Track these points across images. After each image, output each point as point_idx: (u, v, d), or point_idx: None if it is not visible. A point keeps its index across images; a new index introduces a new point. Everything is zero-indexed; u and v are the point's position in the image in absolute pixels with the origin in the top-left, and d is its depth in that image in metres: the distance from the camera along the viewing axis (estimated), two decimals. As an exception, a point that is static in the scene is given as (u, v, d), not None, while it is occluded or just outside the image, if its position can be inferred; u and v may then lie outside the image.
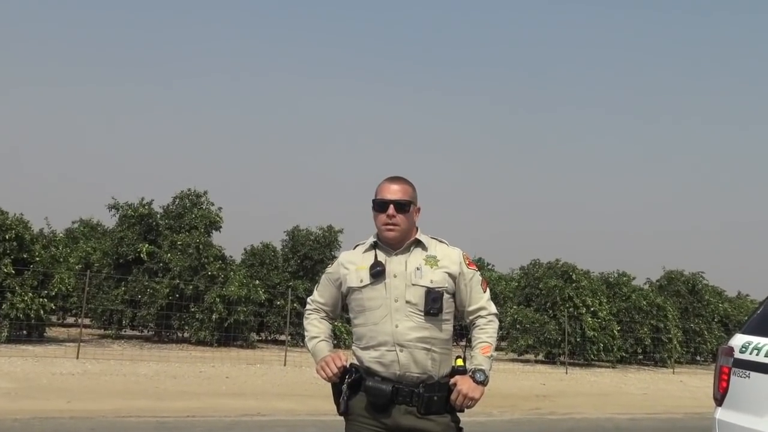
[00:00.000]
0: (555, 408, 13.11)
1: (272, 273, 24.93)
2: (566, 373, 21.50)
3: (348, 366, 3.32)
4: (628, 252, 57.44)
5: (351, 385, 3.25)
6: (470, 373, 3.27)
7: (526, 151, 66.38)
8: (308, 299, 3.64)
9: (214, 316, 20.62)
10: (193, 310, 20.94)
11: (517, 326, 24.68)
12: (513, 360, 24.77)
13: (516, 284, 29.53)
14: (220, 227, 23.61)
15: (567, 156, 66.06)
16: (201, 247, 21.83)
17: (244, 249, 26.96)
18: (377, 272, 3.30)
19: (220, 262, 22.42)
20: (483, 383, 3.27)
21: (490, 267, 36.89)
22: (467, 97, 66.29)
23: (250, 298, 21.48)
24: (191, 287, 21.00)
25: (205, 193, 23.79)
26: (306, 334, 3.55)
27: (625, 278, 28.99)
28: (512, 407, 12.74)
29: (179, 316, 21.16)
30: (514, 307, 26.43)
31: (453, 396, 3.23)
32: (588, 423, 11.43)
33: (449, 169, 66.53)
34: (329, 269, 3.54)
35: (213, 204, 23.78)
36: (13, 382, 11.84)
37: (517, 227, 63.23)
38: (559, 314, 24.54)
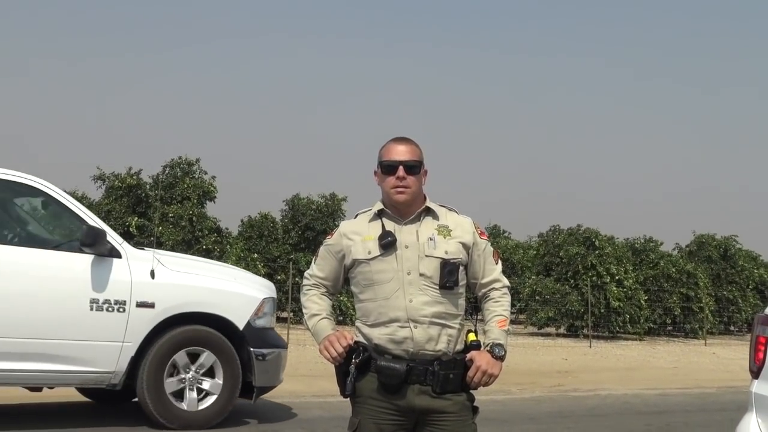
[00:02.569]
0: (578, 384, 13.20)
1: (272, 246, 25.04)
2: (590, 346, 21.61)
3: (354, 345, 3.29)
4: (656, 216, 57.41)
5: (359, 365, 3.24)
6: (488, 348, 3.28)
7: (541, 110, 66.10)
8: (305, 274, 3.60)
9: (210, 293, 20.69)
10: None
11: (537, 297, 24.77)
12: (533, 334, 24.92)
13: (534, 252, 29.59)
14: (215, 197, 23.69)
15: (587, 114, 65.76)
16: (194, 219, 21.91)
17: (241, 220, 27.11)
18: (388, 243, 3.27)
19: (216, 235, 22.51)
20: (502, 358, 3.28)
21: (506, 234, 36.96)
22: (475, 50, 65.90)
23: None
24: (185, 262, 21.05)
25: (198, 161, 23.87)
26: (305, 311, 3.51)
27: (652, 244, 29.05)
28: (532, 384, 12.82)
29: (173, 293, 21.23)
30: (533, 277, 26.52)
31: (470, 373, 3.23)
32: (614, 400, 11.51)
33: (458, 129, 66.35)
34: (329, 240, 3.50)
35: (206, 173, 23.89)
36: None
37: (535, 191, 63.20)
38: (582, 284, 24.61)
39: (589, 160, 64.90)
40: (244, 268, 21.16)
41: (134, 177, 22.81)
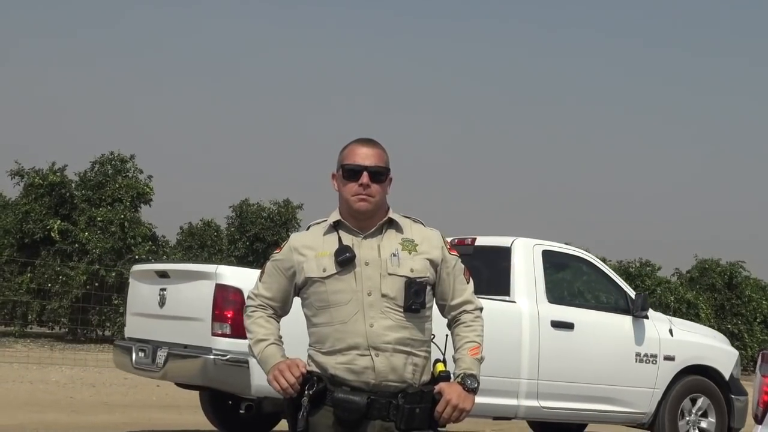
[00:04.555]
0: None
1: (215, 258, 24.87)
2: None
3: (307, 374, 3.27)
4: (653, 236, 57.83)
5: (313, 397, 3.22)
6: (458, 380, 3.29)
7: (526, 116, 66.47)
8: (249, 293, 3.56)
9: (142, 311, 20.58)
10: (116, 302, 20.83)
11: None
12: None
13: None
14: (151, 200, 23.58)
15: (578, 119, 66.25)
16: (126, 224, 21.78)
17: (180, 228, 26.94)
18: (345, 259, 3.27)
19: (150, 243, 22.38)
20: (474, 391, 3.30)
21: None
22: (449, 42, 66.19)
23: (187, 288, 21.46)
24: (114, 274, 20.91)
25: (132, 157, 23.72)
26: (250, 336, 3.46)
27: (648, 268, 29.32)
28: (510, 425, 12.85)
29: (99, 309, 21.11)
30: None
31: (439, 407, 3.24)
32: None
33: (431, 132, 66.53)
34: (277, 255, 3.49)
35: (141, 171, 23.76)
36: None
37: (517, 206, 63.49)
38: (568, 311, 24.77)
39: (577, 173, 65.40)
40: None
41: (58, 174, 22.58)
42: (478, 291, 9.14)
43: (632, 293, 9.85)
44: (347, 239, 3.34)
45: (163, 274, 8.66)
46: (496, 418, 9.69)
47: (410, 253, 3.33)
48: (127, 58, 57.78)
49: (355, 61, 63.06)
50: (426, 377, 3.33)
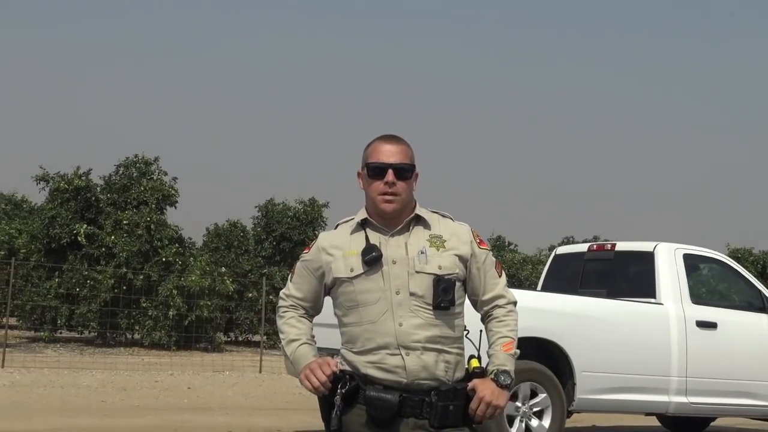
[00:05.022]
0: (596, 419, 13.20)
1: (242, 258, 25.01)
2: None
3: (339, 373, 3.28)
4: (684, 224, 57.55)
5: (345, 396, 3.23)
6: (492, 376, 3.28)
7: (551, 106, 66.26)
8: (281, 293, 3.59)
9: (171, 313, 20.70)
10: (144, 305, 21.00)
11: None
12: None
13: (546, 267, 29.61)
14: (176, 202, 23.64)
15: (602, 112, 65.94)
16: (152, 227, 21.87)
17: (207, 229, 27.09)
18: (372, 258, 3.27)
19: (177, 245, 22.46)
20: (508, 387, 3.28)
21: (512, 247, 36.97)
22: (462, 47, 66.07)
23: (215, 289, 21.56)
24: (141, 277, 21.05)
25: (156, 159, 23.78)
26: (282, 337, 3.49)
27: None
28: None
29: (128, 313, 21.23)
30: (544, 295, 26.48)
31: (473, 404, 3.23)
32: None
33: (451, 125, 66.44)
34: (306, 255, 3.50)
35: (166, 173, 23.79)
36: (-77, 398, 11.88)
37: (544, 197, 63.31)
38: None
39: (605, 162, 65.08)
40: (210, 284, 21.29)
41: (83, 178, 22.72)
42: (620, 294, 9.82)
43: (767, 291, 10.42)
44: (374, 238, 3.34)
45: None
46: (647, 414, 10.45)
47: (438, 250, 3.32)
48: (148, 60, 58.09)
49: (381, 57, 63.04)
50: (460, 374, 3.31)
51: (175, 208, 23.68)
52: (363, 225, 3.39)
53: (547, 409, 8.81)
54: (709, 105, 64.05)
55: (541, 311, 8.87)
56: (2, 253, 23.46)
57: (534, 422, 8.74)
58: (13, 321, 21.77)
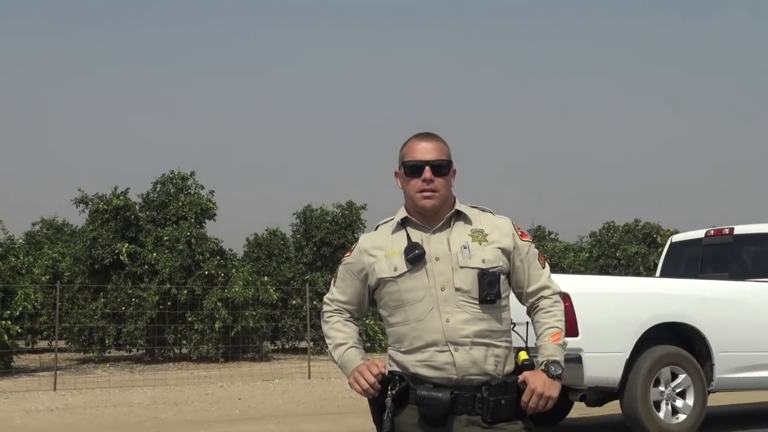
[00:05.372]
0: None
1: (283, 266, 25.12)
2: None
3: (388, 374, 3.29)
4: (729, 205, 56.80)
5: (396, 397, 3.23)
6: (542, 367, 3.27)
7: (586, 91, 65.75)
8: (325, 298, 3.60)
9: (216, 325, 20.81)
10: (190, 319, 21.15)
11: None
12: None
13: (587, 255, 29.45)
14: (215, 215, 23.76)
15: (637, 93, 65.30)
16: (193, 241, 22.01)
17: (247, 239, 27.21)
18: (416, 256, 3.27)
19: (218, 258, 22.59)
20: (559, 378, 3.27)
21: (552, 236, 36.80)
22: (500, 39, 65.76)
23: (258, 299, 21.66)
24: (185, 292, 21.22)
25: (192, 174, 23.94)
26: (329, 342, 3.50)
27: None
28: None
29: (174, 328, 21.39)
30: (588, 283, 26.34)
31: (525, 397, 3.22)
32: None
33: (491, 117, 66.20)
34: (348, 258, 3.51)
35: (203, 187, 23.94)
36: (-20, 425, 12.02)
37: (584, 184, 62.84)
38: (645, 287, 24.47)
39: (644, 145, 64.46)
40: (253, 294, 21.39)
41: (121, 197, 22.93)
42: (742, 275, 10.25)
43: None
44: (416, 236, 3.34)
45: None
46: None
47: (480, 244, 3.31)
48: (180, 75, 58.51)
49: (412, 59, 62.99)
50: (509, 367, 3.31)
51: (214, 221, 23.82)
52: (403, 224, 3.39)
53: (689, 389, 9.22)
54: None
55: (675, 297, 9.19)
56: (47, 277, 23.74)
57: (679, 402, 9.18)
58: (62, 344, 21.98)
